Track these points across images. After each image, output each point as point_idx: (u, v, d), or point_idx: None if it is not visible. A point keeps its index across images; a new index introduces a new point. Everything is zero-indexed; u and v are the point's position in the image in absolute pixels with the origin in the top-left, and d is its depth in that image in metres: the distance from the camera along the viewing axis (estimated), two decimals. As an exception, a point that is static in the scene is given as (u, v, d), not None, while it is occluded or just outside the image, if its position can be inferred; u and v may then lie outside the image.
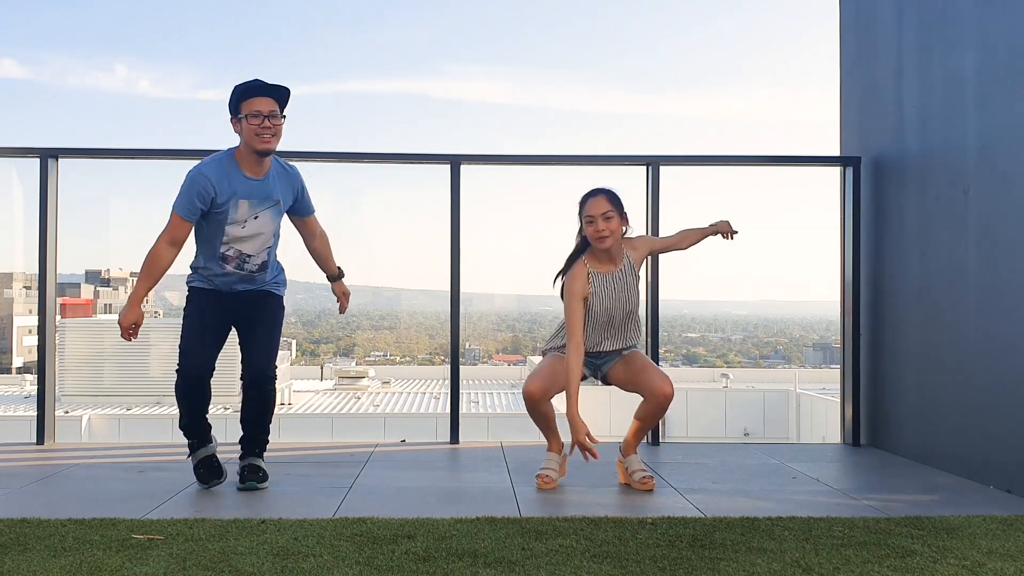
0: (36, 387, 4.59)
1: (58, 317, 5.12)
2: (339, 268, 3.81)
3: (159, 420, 15.70)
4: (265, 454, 3.60)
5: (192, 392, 3.45)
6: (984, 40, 3.78)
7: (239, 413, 3.55)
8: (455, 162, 4.66)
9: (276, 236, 3.52)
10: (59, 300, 5.98)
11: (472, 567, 2.43)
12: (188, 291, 3.55)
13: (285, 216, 3.57)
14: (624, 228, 3.57)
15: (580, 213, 3.57)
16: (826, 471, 4.00)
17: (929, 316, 4.15)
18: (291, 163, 3.59)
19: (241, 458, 3.55)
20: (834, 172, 4.90)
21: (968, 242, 3.83)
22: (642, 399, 3.61)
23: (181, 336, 3.47)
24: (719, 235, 3.76)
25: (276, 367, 3.54)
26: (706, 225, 3.75)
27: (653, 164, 4.65)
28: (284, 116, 3.38)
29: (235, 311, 3.51)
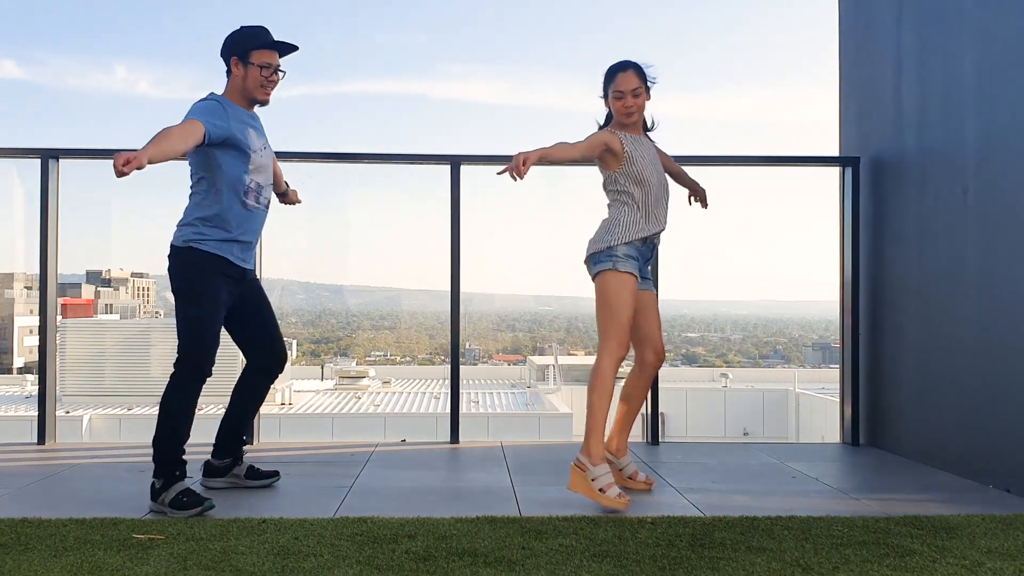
0: (37, 387, 4.59)
1: (59, 317, 5.12)
2: (285, 182, 3.77)
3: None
4: (267, 454, 3.61)
5: (193, 392, 3.15)
6: (984, 40, 3.79)
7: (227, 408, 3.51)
8: (455, 162, 4.66)
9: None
10: (60, 300, 5.98)
11: (472, 566, 2.44)
12: (196, 256, 3.17)
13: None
14: (646, 101, 3.49)
15: (607, 85, 3.47)
16: (825, 470, 4.00)
17: (928, 316, 4.16)
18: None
19: (234, 462, 3.49)
20: (833, 172, 4.90)
21: (967, 242, 3.84)
22: (632, 372, 3.57)
23: (194, 319, 3.14)
24: (692, 195, 3.79)
25: None
26: (696, 183, 3.78)
27: (653, 164, 4.64)
28: (284, 72, 3.40)
29: (235, 289, 3.31)
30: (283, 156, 4.55)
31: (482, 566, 2.45)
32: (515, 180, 3.14)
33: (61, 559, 2.48)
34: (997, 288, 3.64)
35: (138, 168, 2.72)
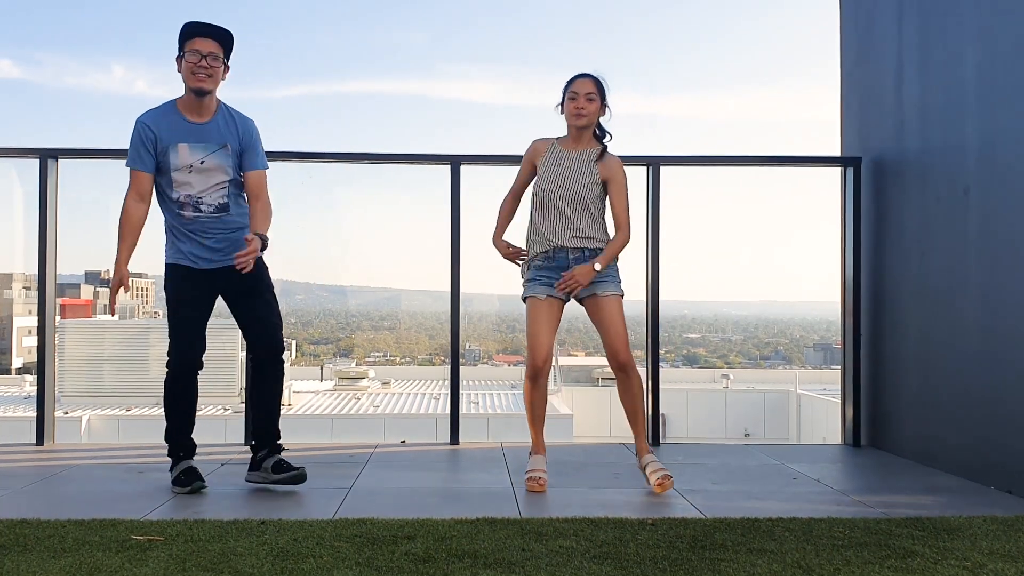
0: (36, 388, 4.58)
1: (58, 318, 5.12)
2: (262, 235, 3.36)
3: (159, 421, 15.58)
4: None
5: (179, 388, 3.46)
6: (984, 40, 3.78)
7: (244, 404, 3.56)
8: (455, 162, 4.65)
9: (234, 182, 3.45)
10: (59, 301, 5.97)
11: (472, 568, 2.43)
12: (167, 268, 3.50)
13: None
14: (602, 116, 3.59)
15: (564, 90, 3.59)
16: (827, 472, 3.99)
17: (929, 316, 4.15)
18: (250, 117, 3.54)
19: (266, 456, 3.49)
20: (835, 172, 4.89)
21: (968, 242, 3.83)
22: None
23: (170, 326, 3.47)
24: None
25: (282, 333, 3.54)
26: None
27: (653, 164, 4.64)
28: (227, 65, 3.41)
29: (218, 281, 3.46)
30: (283, 156, 4.54)
31: (482, 568, 2.44)
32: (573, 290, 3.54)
33: (60, 560, 2.47)
34: (998, 289, 3.63)
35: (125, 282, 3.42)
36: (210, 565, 2.44)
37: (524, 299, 3.63)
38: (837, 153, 5.12)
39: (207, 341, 3.49)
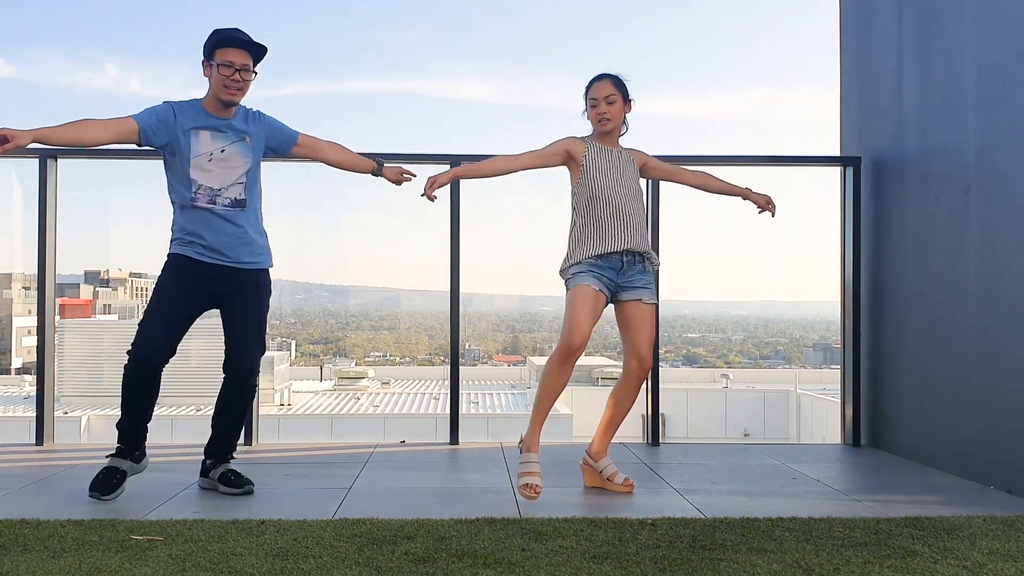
0: (35, 388, 4.58)
1: (57, 318, 5.11)
2: (376, 160, 3.65)
3: (158, 421, 15.68)
4: (264, 455, 3.59)
5: (138, 382, 3.26)
6: (985, 39, 3.78)
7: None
8: (455, 162, 4.64)
9: (251, 175, 3.36)
10: (58, 300, 5.97)
11: (472, 568, 2.43)
12: (166, 259, 3.35)
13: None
14: (627, 112, 3.54)
15: (584, 97, 3.54)
16: (826, 471, 3.99)
17: (929, 316, 4.15)
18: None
19: (214, 465, 3.46)
20: (834, 172, 4.89)
21: (968, 242, 3.83)
22: (620, 377, 3.53)
23: (144, 312, 3.32)
24: (753, 203, 3.69)
25: (260, 359, 3.41)
26: (748, 190, 3.68)
27: (653, 164, 4.63)
28: (256, 72, 3.33)
29: (215, 288, 3.32)
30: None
31: (482, 567, 2.43)
32: (431, 201, 3.43)
33: (59, 560, 2.47)
34: (998, 288, 3.63)
35: (18, 147, 2.86)
36: (210, 565, 2.44)
37: (569, 286, 3.42)
38: (837, 153, 5.12)
39: (179, 347, 3.30)
